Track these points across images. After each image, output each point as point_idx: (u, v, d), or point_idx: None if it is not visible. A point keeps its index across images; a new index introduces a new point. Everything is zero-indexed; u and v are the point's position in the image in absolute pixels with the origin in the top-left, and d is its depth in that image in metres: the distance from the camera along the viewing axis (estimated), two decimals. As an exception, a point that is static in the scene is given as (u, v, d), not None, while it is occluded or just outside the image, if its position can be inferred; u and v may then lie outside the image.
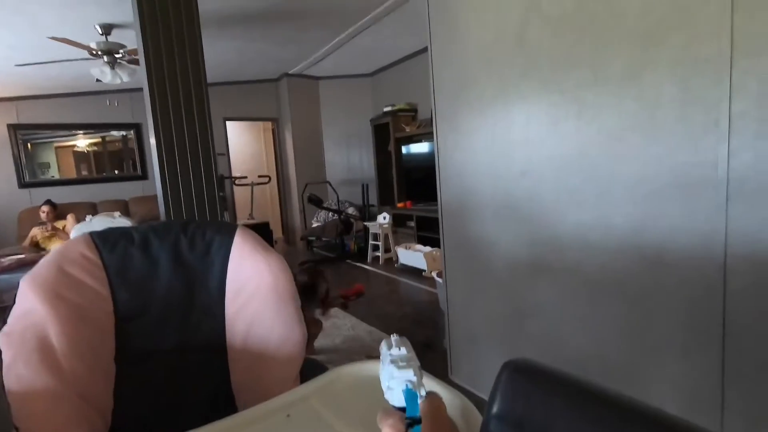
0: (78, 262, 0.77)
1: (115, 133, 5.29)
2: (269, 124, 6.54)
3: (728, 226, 1.12)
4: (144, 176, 5.37)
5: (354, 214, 5.49)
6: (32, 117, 4.80)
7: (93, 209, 4.81)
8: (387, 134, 5.30)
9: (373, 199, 5.80)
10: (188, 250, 0.85)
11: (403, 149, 5.14)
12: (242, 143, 6.82)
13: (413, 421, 0.41)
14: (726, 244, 1.13)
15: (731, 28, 1.07)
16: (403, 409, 0.42)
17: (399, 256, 4.46)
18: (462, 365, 2.13)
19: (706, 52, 1.12)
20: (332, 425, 0.61)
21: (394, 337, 0.48)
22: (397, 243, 4.73)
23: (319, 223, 5.60)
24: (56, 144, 5.07)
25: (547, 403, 0.40)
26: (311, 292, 2.23)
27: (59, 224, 4.31)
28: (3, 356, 0.67)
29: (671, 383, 1.28)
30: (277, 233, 6.39)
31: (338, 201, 5.47)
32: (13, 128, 4.71)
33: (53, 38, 2.91)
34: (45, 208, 4.32)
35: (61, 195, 4.74)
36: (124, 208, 4.97)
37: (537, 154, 1.64)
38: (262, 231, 5.26)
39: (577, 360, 1.55)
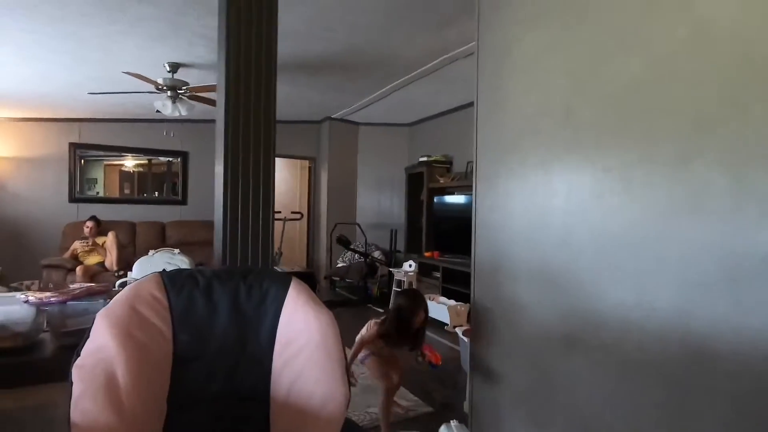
0: (148, 302, 0.82)
1: (162, 157, 5.59)
2: (306, 163, 6.77)
3: (783, 326, 1.08)
4: (184, 202, 5.59)
5: (380, 258, 5.51)
6: (92, 137, 5.15)
7: (132, 228, 5.02)
8: (420, 183, 5.39)
9: (401, 245, 5.83)
10: (245, 299, 0.89)
11: (435, 199, 5.20)
12: (278, 179, 7.05)
13: None
14: (780, 344, 1.09)
15: (787, 129, 1.08)
16: None
17: (422, 306, 4.41)
18: (484, 435, 2.04)
19: (760, 146, 1.13)
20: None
21: (454, 423, 0.49)
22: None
23: (344, 264, 5.64)
24: (106, 162, 5.40)
25: None
26: (406, 319, 2.02)
27: (99, 240, 4.51)
28: (73, 388, 0.71)
29: (715, 488, 1.20)
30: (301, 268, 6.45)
31: (366, 244, 5.52)
32: (74, 146, 5.06)
33: (127, 73, 3.19)
34: (89, 224, 4.54)
35: (104, 212, 4.97)
36: (161, 230, 5.16)
37: (578, 226, 1.64)
38: (306, 280, 5.34)
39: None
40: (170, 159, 5.61)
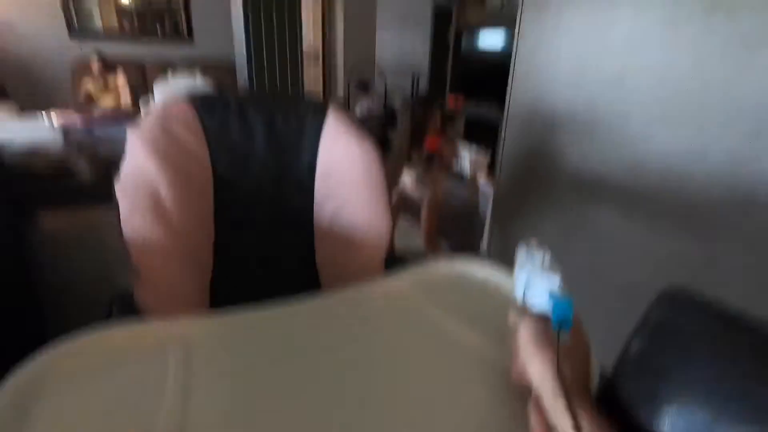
0: (180, 123, 0.76)
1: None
2: (319, -6, 6.01)
3: None
4: (190, 39, 5.15)
5: (398, 108, 5.28)
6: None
7: (142, 69, 4.77)
8: (448, 22, 4.82)
9: (423, 92, 5.52)
10: (282, 123, 0.83)
11: (464, 38, 4.74)
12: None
13: (561, 327, 0.40)
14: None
15: None
16: (542, 314, 0.42)
17: (442, 155, 4.37)
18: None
19: None
20: (436, 320, 0.61)
21: (533, 242, 0.46)
22: (442, 142, 4.60)
23: (362, 113, 5.44)
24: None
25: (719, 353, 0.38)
26: (420, 121, 2.19)
27: (111, 79, 4.33)
28: (121, 209, 0.70)
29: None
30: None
31: (386, 89, 5.23)
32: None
33: None
34: (95, 60, 4.30)
35: (109, 51, 4.65)
36: (173, 71, 4.89)
37: (636, 61, 1.45)
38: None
39: (625, 288, 1.55)
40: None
